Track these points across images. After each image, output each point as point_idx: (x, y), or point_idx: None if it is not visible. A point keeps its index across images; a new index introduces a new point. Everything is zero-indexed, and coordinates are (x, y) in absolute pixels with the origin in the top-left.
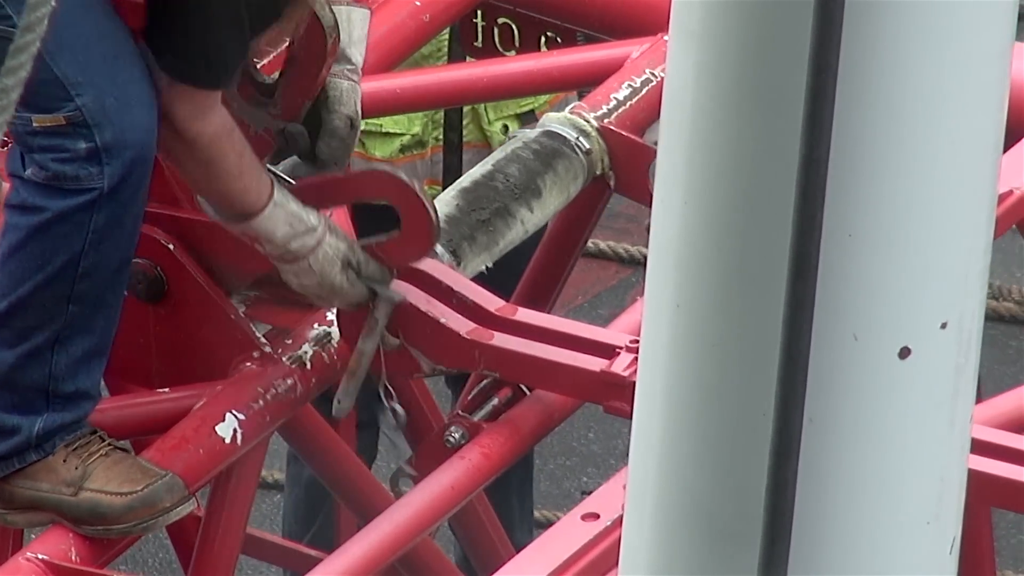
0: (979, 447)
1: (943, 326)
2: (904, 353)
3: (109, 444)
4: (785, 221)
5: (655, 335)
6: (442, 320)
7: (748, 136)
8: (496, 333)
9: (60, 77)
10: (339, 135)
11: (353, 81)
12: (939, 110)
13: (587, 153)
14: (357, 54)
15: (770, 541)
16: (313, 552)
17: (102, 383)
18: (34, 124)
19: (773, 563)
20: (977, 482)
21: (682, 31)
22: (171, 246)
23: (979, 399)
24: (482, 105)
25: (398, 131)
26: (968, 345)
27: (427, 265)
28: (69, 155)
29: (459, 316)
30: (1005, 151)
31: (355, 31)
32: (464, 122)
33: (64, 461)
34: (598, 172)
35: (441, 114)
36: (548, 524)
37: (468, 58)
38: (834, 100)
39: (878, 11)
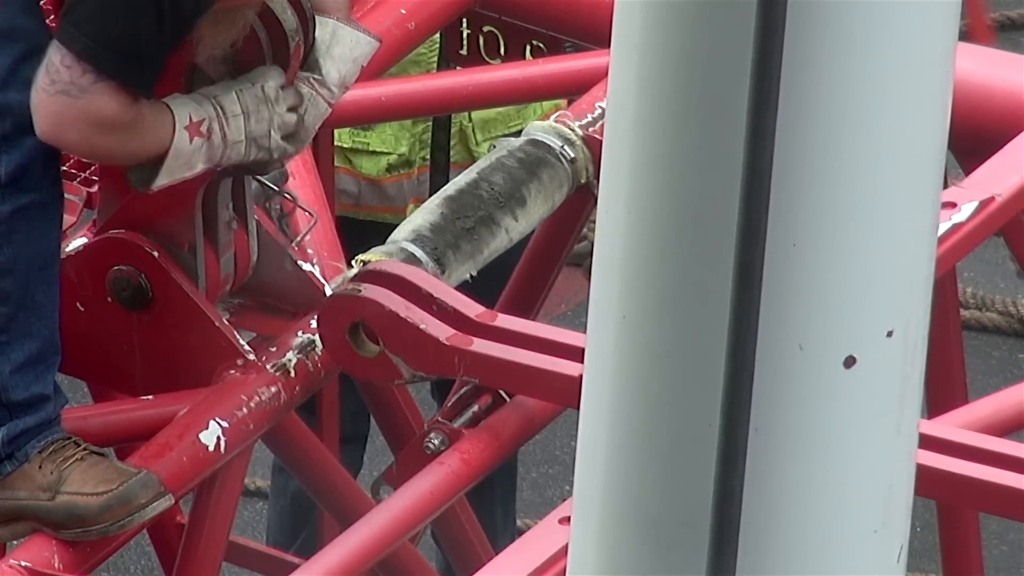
0: (964, 451)
1: (889, 334)
2: (849, 362)
3: (85, 448)
4: (729, 231)
5: (601, 345)
6: (422, 326)
7: (691, 146)
8: (476, 339)
9: None
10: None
11: (315, 90)
12: (881, 117)
13: (572, 162)
14: (333, 70)
15: (717, 550)
16: (296, 559)
17: (87, 389)
18: None
19: (720, 573)
20: (963, 486)
21: (624, 42)
22: (155, 253)
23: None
24: (470, 126)
25: (385, 150)
26: (914, 353)
27: (407, 272)
28: None
29: (439, 322)
30: (987, 158)
31: (336, 48)
32: (452, 143)
33: (40, 468)
34: (583, 181)
35: (429, 134)
36: None
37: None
38: (777, 109)
39: (820, 19)
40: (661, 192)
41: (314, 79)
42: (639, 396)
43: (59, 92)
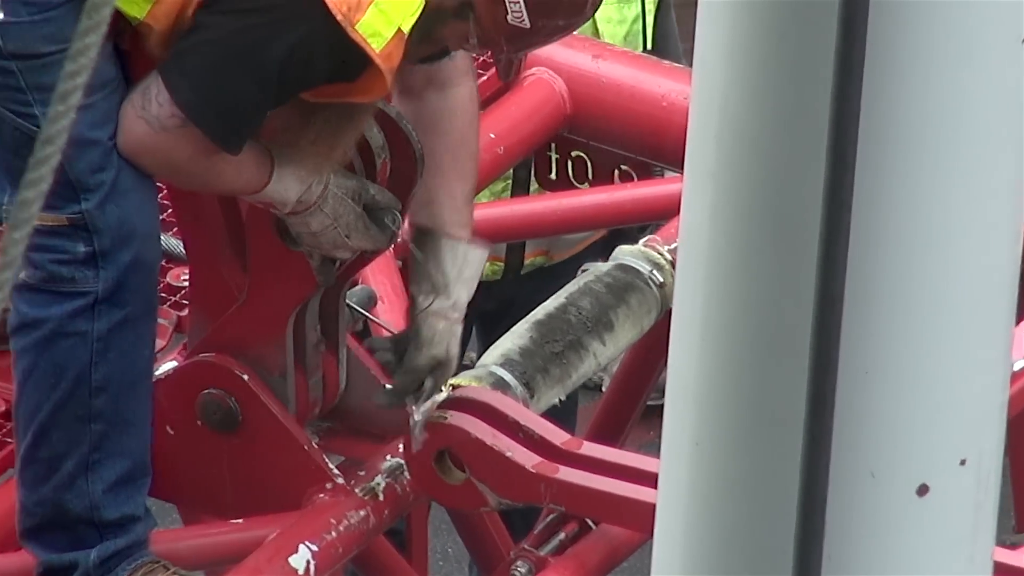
0: None
1: (962, 463)
2: (922, 490)
3: (175, 572)
4: (802, 359)
5: (674, 473)
6: (508, 454)
7: (764, 274)
8: (562, 467)
9: (73, 180)
10: (418, 372)
11: (451, 320)
12: (952, 245)
13: (661, 286)
14: (464, 292)
15: None
16: None
17: (176, 510)
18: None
19: None
20: None
21: (697, 170)
22: (245, 376)
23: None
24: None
25: None
26: (987, 482)
27: (493, 399)
28: (67, 257)
29: (525, 450)
30: None
31: (467, 270)
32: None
33: None
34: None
35: (508, 192)
36: None
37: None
38: (849, 237)
39: (890, 151)
40: (734, 319)
41: (447, 308)
42: (712, 524)
43: (142, 118)
